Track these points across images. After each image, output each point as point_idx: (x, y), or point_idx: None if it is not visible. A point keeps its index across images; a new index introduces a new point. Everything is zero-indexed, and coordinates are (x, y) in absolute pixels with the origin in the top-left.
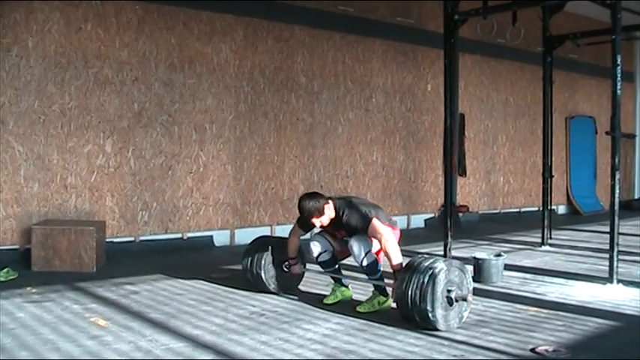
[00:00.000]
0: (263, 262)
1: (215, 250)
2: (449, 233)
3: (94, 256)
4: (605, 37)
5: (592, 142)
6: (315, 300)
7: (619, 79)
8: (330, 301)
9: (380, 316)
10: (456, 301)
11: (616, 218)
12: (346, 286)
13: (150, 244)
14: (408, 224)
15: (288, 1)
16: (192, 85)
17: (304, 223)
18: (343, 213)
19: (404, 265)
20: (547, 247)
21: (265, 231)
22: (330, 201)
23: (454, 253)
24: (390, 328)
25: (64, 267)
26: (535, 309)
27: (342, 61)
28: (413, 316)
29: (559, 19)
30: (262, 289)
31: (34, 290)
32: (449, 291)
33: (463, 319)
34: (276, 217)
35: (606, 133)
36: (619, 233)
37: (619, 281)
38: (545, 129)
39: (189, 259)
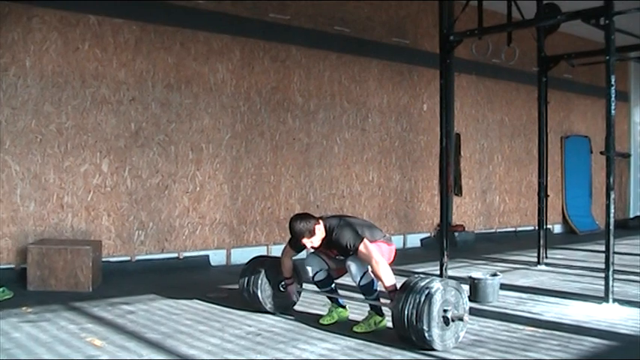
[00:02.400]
0: (260, 281)
1: (211, 270)
2: (445, 253)
3: (90, 275)
4: (600, 57)
5: (587, 161)
6: (312, 320)
7: (613, 99)
8: (326, 322)
9: (376, 336)
10: (453, 320)
11: (611, 238)
12: (343, 307)
13: (146, 263)
14: (404, 244)
15: (284, 22)
16: (188, 105)
17: (295, 244)
18: (334, 232)
19: (400, 285)
20: (543, 267)
21: (262, 250)
22: (320, 221)
23: (450, 272)
24: (387, 348)
25: (60, 286)
26: (531, 328)
27: (338, 81)
28: (409, 336)
29: (554, 40)
30: (259, 308)
31: (29, 310)
32: (445, 311)
33: (459, 339)
34: (272, 236)
35: (601, 152)
36: (614, 252)
37: (615, 300)
38: (541, 148)
39: (186, 279)
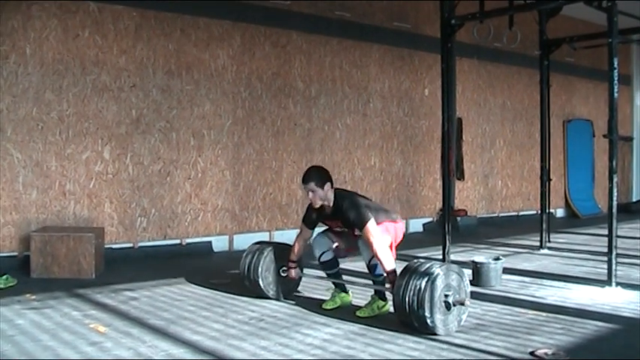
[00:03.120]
0: (260, 268)
1: (214, 256)
2: (447, 237)
3: (92, 262)
4: (602, 40)
5: (589, 145)
6: (315, 305)
7: (616, 82)
8: (329, 307)
9: (379, 321)
10: (454, 305)
11: (614, 221)
12: (346, 292)
13: (148, 250)
14: (407, 228)
15: (285, 7)
16: (189, 92)
17: (309, 218)
18: (343, 205)
19: (400, 270)
20: (545, 251)
21: (264, 236)
22: (333, 187)
23: (453, 257)
24: (390, 333)
25: (63, 274)
26: (534, 312)
27: (339, 66)
28: (411, 322)
29: (556, 23)
30: (260, 294)
31: (33, 297)
32: (446, 295)
33: (462, 322)
34: (274, 222)
35: (604, 136)
36: (617, 236)
37: (617, 284)
38: (543, 132)
39: (188, 265)
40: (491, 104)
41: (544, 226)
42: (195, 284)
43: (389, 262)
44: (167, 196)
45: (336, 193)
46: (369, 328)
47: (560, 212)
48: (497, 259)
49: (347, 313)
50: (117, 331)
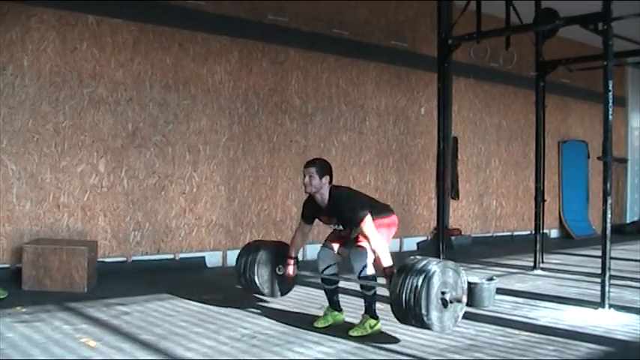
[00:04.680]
0: (256, 266)
1: (207, 271)
2: (441, 256)
3: (85, 276)
4: (598, 62)
5: (584, 166)
6: (307, 322)
7: (611, 104)
8: (320, 325)
9: (372, 340)
10: (451, 302)
11: (608, 243)
12: (340, 310)
13: (142, 264)
14: (401, 247)
15: (283, 24)
16: (186, 106)
17: (306, 213)
18: (339, 201)
19: (397, 267)
20: (539, 271)
21: None
22: (330, 183)
23: None
24: (382, 352)
25: (55, 286)
26: (527, 333)
27: (336, 83)
28: (408, 319)
29: (552, 44)
30: (256, 292)
31: (24, 310)
32: (443, 293)
33: (458, 320)
34: (268, 238)
35: (598, 158)
36: (611, 258)
37: (611, 306)
38: (538, 153)
39: (182, 280)
40: (487, 124)
41: (538, 246)
42: (188, 299)
43: (386, 257)
44: (161, 210)
45: (332, 189)
46: (362, 347)
47: (554, 233)
48: (490, 279)
49: (339, 331)
50: (108, 346)
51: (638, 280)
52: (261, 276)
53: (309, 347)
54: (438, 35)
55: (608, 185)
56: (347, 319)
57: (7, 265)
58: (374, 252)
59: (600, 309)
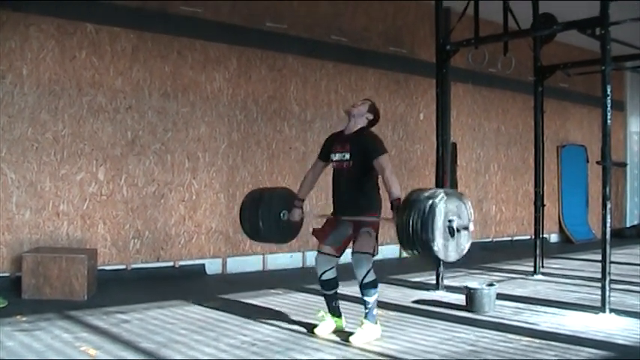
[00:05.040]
0: (260, 211)
1: (207, 279)
2: (441, 262)
3: (85, 284)
4: (596, 67)
5: (583, 170)
6: (308, 329)
7: (609, 109)
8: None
9: (372, 346)
10: (458, 230)
11: (608, 248)
12: (339, 316)
13: (141, 272)
14: (401, 252)
15: (281, 31)
16: (185, 114)
17: (325, 147)
18: (369, 134)
19: (404, 197)
20: (539, 276)
21: (257, 260)
22: (370, 124)
23: (446, 282)
24: (383, 359)
25: (55, 295)
26: (528, 339)
27: (335, 90)
28: (414, 246)
29: (550, 49)
30: (260, 239)
31: (23, 318)
32: (450, 221)
33: (463, 252)
34: (268, 245)
35: (597, 162)
36: (611, 262)
37: (611, 310)
38: (537, 157)
39: (181, 288)
40: (486, 129)
41: (538, 251)
42: (188, 307)
43: (397, 189)
44: (161, 218)
45: (366, 127)
46: (362, 353)
47: (554, 237)
48: (490, 284)
49: (340, 338)
50: (107, 354)
51: (639, 284)
52: (266, 221)
53: (309, 354)
54: (436, 41)
55: (608, 189)
56: (348, 327)
57: (6, 274)
58: (386, 182)
59: (601, 314)
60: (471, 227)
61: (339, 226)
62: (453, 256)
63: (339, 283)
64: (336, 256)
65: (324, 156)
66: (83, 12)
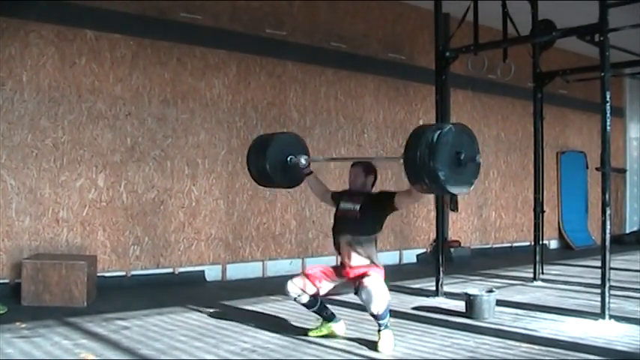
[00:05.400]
0: (267, 154)
1: (207, 285)
2: (441, 268)
3: (84, 290)
4: (595, 73)
5: (583, 176)
6: (307, 335)
7: (608, 115)
8: (313, 334)
9: (372, 352)
10: (465, 163)
11: (607, 254)
12: (335, 320)
13: (141, 278)
14: (400, 259)
15: (281, 37)
16: (185, 120)
17: (337, 192)
18: (376, 191)
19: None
20: (539, 283)
21: (257, 266)
22: (374, 184)
23: (446, 288)
24: None
25: (55, 301)
26: (527, 345)
27: (334, 96)
28: (421, 176)
29: (549, 55)
30: (267, 181)
31: (23, 325)
32: (458, 152)
33: (470, 186)
34: (268, 252)
35: (596, 169)
36: (610, 268)
37: (611, 317)
38: (537, 164)
39: (181, 294)
40: (485, 135)
41: (537, 257)
42: (188, 314)
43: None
44: (160, 224)
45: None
46: None
47: (553, 243)
48: (490, 291)
49: (339, 343)
50: None
51: (638, 290)
52: (272, 164)
53: None
54: (436, 48)
55: (607, 196)
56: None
57: (6, 281)
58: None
59: (601, 320)
60: (479, 160)
61: (337, 278)
62: (462, 190)
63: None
64: (314, 286)
65: (335, 198)
66: (83, 19)
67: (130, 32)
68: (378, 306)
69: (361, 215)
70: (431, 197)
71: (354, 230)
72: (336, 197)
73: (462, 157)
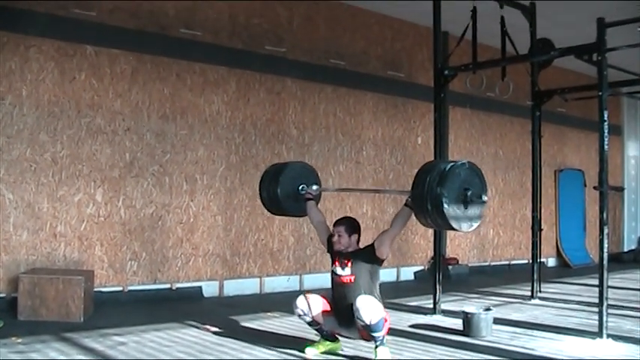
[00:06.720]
0: (279, 180)
1: (204, 301)
2: (438, 286)
3: (81, 305)
4: (593, 92)
5: (581, 194)
6: (305, 352)
7: (606, 134)
8: (312, 351)
9: None
10: (471, 201)
11: (605, 272)
12: (331, 340)
13: (138, 294)
14: (398, 277)
15: (280, 54)
16: (183, 136)
17: (330, 245)
18: (364, 246)
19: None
20: (537, 301)
21: (255, 283)
22: (358, 242)
23: (444, 306)
24: None
25: (51, 316)
26: None
27: (333, 113)
28: (425, 203)
29: (547, 74)
30: (277, 207)
31: (19, 340)
32: (466, 189)
33: (471, 228)
34: (265, 268)
35: (594, 188)
36: (608, 287)
37: (609, 336)
38: (535, 182)
39: (178, 310)
40: (484, 153)
41: (535, 275)
42: (185, 330)
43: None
44: (158, 240)
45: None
46: None
47: (551, 261)
48: (488, 309)
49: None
50: None
51: (637, 309)
52: (284, 190)
53: None
54: (434, 66)
55: (605, 215)
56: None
57: (3, 295)
58: (395, 227)
59: (598, 339)
60: (485, 199)
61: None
62: (462, 226)
63: None
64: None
65: (329, 240)
66: (83, 34)
67: (130, 48)
68: (370, 314)
69: (355, 279)
70: None
71: (352, 294)
72: (329, 247)
73: (469, 194)
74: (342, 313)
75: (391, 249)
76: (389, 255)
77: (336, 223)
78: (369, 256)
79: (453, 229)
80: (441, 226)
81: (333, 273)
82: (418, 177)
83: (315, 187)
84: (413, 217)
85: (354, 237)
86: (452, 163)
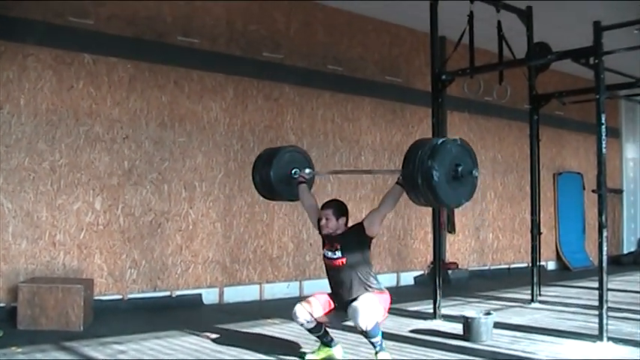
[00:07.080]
0: (272, 164)
1: (204, 309)
2: (438, 290)
3: (81, 314)
4: (590, 95)
5: (580, 197)
6: (304, 359)
7: (604, 137)
8: (312, 357)
9: None
10: (462, 176)
11: (605, 275)
12: (331, 346)
13: (138, 302)
14: (398, 282)
15: (278, 61)
16: (182, 143)
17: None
18: (351, 226)
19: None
20: (537, 304)
21: (254, 289)
22: (346, 225)
23: (444, 310)
24: None
25: (51, 325)
26: None
27: (331, 119)
28: (415, 177)
29: (545, 77)
30: (269, 191)
31: (19, 350)
32: (457, 165)
33: (462, 200)
34: (265, 275)
35: (593, 191)
36: (608, 290)
37: (609, 339)
38: (534, 185)
39: (178, 318)
40: (482, 157)
41: (535, 279)
42: (185, 337)
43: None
44: (158, 247)
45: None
46: None
47: (551, 265)
48: (488, 313)
49: None
50: None
51: (636, 311)
52: (277, 174)
53: None
54: (432, 70)
55: (604, 217)
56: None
57: (2, 304)
58: (384, 203)
59: (598, 342)
60: (476, 173)
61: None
62: (454, 202)
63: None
64: (314, 313)
65: (316, 217)
66: (80, 42)
67: (128, 56)
68: (364, 320)
69: (347, 260)
70: (428, 220)
71: (347, 276)
72: (319, 229)
73: (460, 169)
74: (339, 296)
75: (381, 227)
76: (379, 232)
77: (324, 207)
78: (359, 235)
79: (444, 203)
80: (431, 202)
81: (325, 257)
82: (410, 152)
83: (307, 171)
84: (409, 218)
85: (342, 220)
86: (444, 139)
